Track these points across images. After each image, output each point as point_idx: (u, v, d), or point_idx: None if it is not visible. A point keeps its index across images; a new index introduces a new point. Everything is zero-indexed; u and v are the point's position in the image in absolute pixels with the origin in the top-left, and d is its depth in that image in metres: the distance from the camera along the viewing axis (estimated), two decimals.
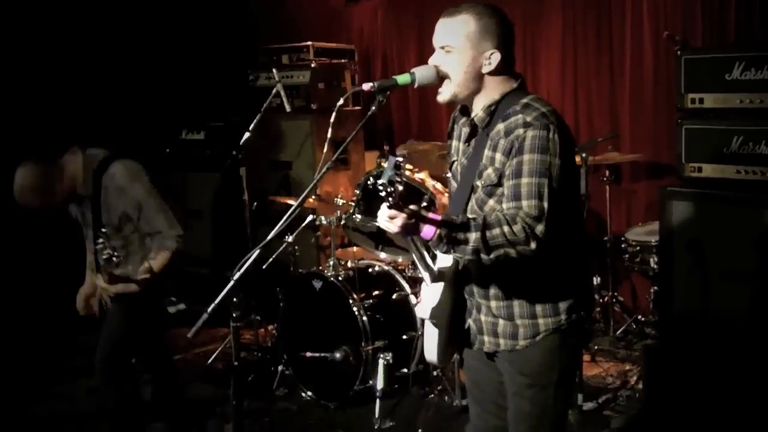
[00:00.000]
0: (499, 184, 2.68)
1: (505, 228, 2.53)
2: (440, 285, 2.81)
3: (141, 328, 4.35)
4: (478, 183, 2.74)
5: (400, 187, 2.45)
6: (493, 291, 2.79)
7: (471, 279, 2.83)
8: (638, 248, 5.55)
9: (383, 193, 2.41)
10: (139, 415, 4.46)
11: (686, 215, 4.51)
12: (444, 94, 2.78)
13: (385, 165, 2.42)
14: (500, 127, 2.67)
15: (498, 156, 2.66)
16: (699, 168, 4.53)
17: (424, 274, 2.85)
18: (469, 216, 2.65)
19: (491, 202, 2.71)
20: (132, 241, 4.25)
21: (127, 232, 4.21)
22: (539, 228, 2.55)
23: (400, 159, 2.43)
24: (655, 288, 5.47)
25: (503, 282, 2.75)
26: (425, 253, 2.79)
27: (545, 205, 2.57)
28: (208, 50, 7.53)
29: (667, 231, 4.62)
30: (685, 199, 4.52)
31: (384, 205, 2.47)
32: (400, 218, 2.49)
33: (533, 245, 2.54)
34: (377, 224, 4.80)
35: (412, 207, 2.49)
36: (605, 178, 5.85)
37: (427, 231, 2.54)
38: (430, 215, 2.54)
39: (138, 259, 4.19)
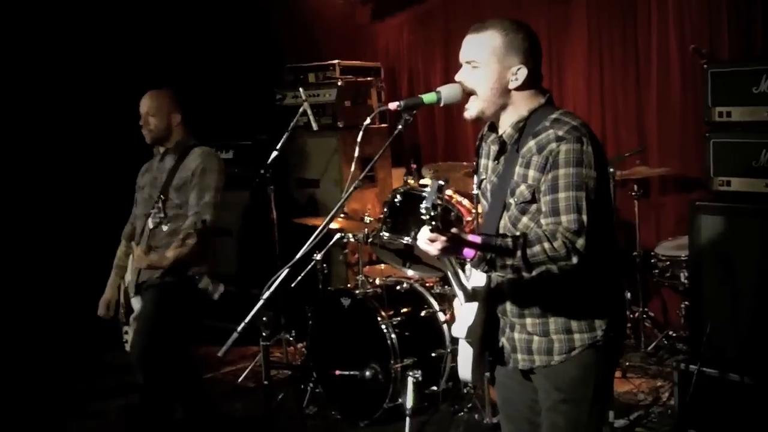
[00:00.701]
0: (533, 200, 2.67)
1: (546, 245, 2.53)
2: (474, 304, 2.81)
3: (174, 317, 4.40)
4: (511, 200, 2.73)
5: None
6: (528, 309, 2.78)
7: (505, 298, 2.81)
8: (668, 263, 5.51)
9: (425, 217, 2.40)
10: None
11: (716, 229, 4.47)
12: (471, 111, 2.78)
13: (428, 189, 2.41)
14: (531, 144, 2.67)
15: (531, 173, 2.66)
16: (728, 182, 4.49)
17: (459, 293, 2.85)
18: (509, 234, 2.64)
19: (525, 219, 2.71)
20: (177, 215, 4.37)
21: (180, 200, 4.32)
22: (580, 242, 2.54)
23: (443, 183, 2.43)
24: (686, 303, 5.42)
25: (540, 299, 2.74)
26: (460, 272, 2.80)
27: (584, 218, 2.56)
28: (235, 69, 7.59)
29: (697, 245, 4.58)
30: (714, 213, 4.48)
31: (425, 228, 2.46)
32: (440, 241, 2.49)
33: (575, 260, 2.53)
34: (405, 242, 4.84)
35: (453, 230, 2.49)
36: (634, 193, 5.81)
37: (468, 252, 2.54)
38: (470, 237, 2.53)
39: (173, 238, 4.33)
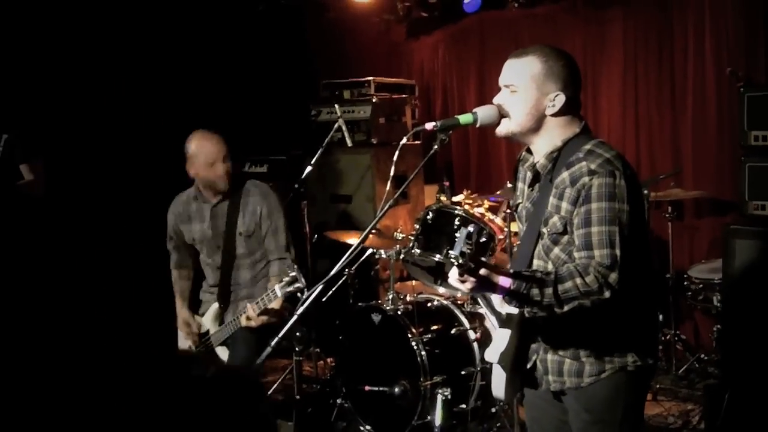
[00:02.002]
0: (564, 232, 2.69)
1: (578, 280, 2.54)
2: (507, 331, 2.82)
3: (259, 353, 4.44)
4: (544, 230, 2.75)
5: (472, 264, 2.46)
6: (561, 334, 2.79)
7: (538, 324, 2.82)
8: (701, 286, 5.48)
9: (454, 263, 2.42)
10: None
11: (749, 253, 4.46)
12: (501, 129, 2.81)
13: (457, 235, 2.43)
14: (565, 175, 2.69)
15: (564, 205, 2.68)
16: (762, 206, 4.49)
17: (491, 318, 2.87)
18: (540, 270, 2.65)
19: (557, 250, 2.73)
20: (257, 260, 4.40)
21: (254, 244, 4.33)
22: (613, 276, 2.56)
23: (472, 230, 2.45)
24: (718, 326, 5.38)
25: (572, 327, 2.75)
26: (493, 297, 2.81)
27: (618, 252, 2.57)
28: (271, 85, 7.66)
29: (731, 269, 4.57)
30: (748, 237, 4.47)
31: (455, 271, 2.48)
32: (470, 282, 2.51)
33: (607, 294, 2.55)
34: (436, 260, 4.84)
35: (482, 272, 2.50)
36: (667, 215, 5.80)
37: (500, 290, 2.55)
38: (501, 279, 2.53)
39: (260, 283, 4.36)
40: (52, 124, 6.25)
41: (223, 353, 4.41)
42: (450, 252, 2.41)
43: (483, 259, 2.52)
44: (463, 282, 2.52)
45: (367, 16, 7.50)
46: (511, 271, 2.58)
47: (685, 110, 6.17)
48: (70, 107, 6.53)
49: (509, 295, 2.57)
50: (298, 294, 3.88)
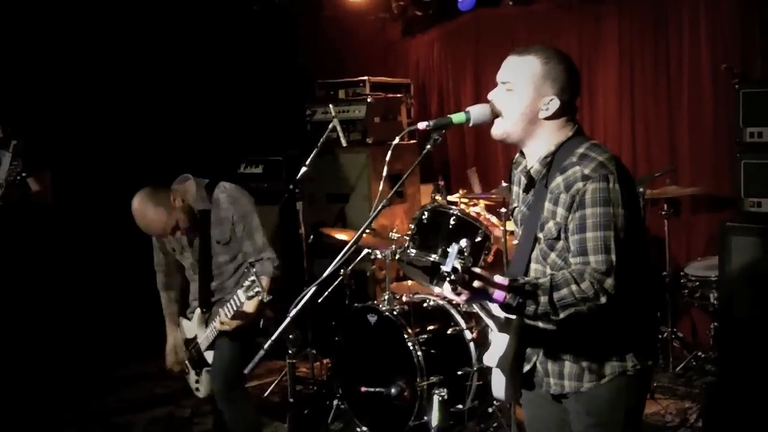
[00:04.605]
0: (559, 238, 2.67)
1: (573, 287, 2.52)
2: (506, 336, 2.79)
3: (247, 354, 4.43)
4: (540, 235, 2.73)
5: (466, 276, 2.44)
6: (560, 339, 2.76)
7: (537, 329, 2.78)
8: (698, 283, 5.46)
9: (447, 278, 2.40)
10: None
11: (746, 250, 4.45)
12: (496, 130, 2.78)
13: (449, 250, 2.40)
14: (559, 180, 2.66)
15: (559, 210, 2.65)
16: (759, 203, 4.47)
17: (489, 323, 2.84)
18: (536, 277, 2.63)
19: (553, 255, 2.71)
20: (240, 263, 4.39)
21: (235, 249, 4.33)
22: (608, 282, 2.54)
23: (464, 245, 2.42)
24: (716, 324, 5.37)
25: (571, 331, 2.71)
26: (488, 303, 2.79)
27: (613, 258, 2.55)
28: (266, 85, 7.65)
29: (727, 266, 4.56)
30: (744, 234, 4.46)
31: (447, 285, 2.46)
32: (465, 294, 2.49)
33: (603, 300, 2.53)
34: (431, 260, 4.83)
35: (476, 285, 2.46)
36: (664, 212, 5.78)
37: (496, 297, 2.53)
38: (496, 291, 2.51)
39: (237, 287, 4.31)
40: (53, 133, 6.26)
41: (211, 357, 4.41)
42: (442, 268, 2.39)
43: (476, 269, 2.47)
44: (458, 294, 2.50)
45: (362, 14, 7.49)
46: (506, 280, 2.55)
47: (681, 106, 6.16)
48: (70, 112, 6.55)
49: (504, 307, 2.56)
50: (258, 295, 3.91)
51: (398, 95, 7.11)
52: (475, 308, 2.79)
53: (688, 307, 6.04)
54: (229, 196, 4.36)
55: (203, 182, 4.41)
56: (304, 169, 5.62)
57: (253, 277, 3.83)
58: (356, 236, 2.78)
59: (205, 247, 4.36)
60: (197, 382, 4.56)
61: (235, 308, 4.13)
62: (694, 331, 6.18)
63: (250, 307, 4.15)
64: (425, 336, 4.91)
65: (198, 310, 4.40)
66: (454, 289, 2.44)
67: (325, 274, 2.72)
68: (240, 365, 4.34)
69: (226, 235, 4.32)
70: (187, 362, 4.57)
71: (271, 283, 4.20)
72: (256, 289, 3.82)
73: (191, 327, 4.49)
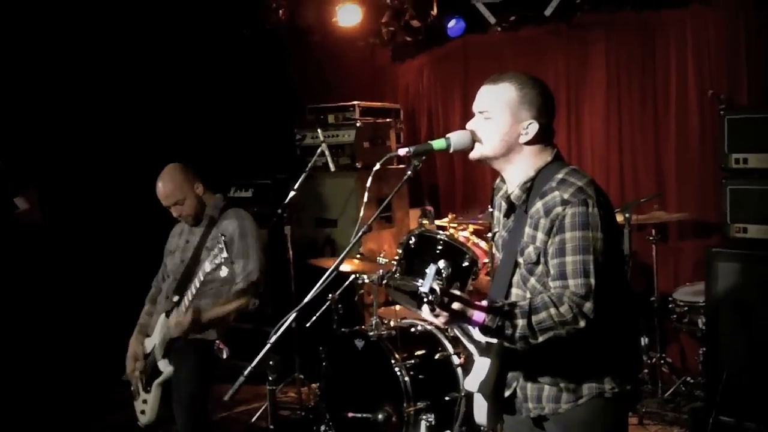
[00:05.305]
0: (538, 262, 2.68)
1: (552, 310, 2.54)
2: (487, 360, 2.79)
3: (209, 376, 4.47)
4: (521, 260, 2.75)
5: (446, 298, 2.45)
6: (539, 362, 2.77)
7: (517, 353, 2.78)
8: (686, 308, 5.46)
9: (425, 299, 2.41)
10: None
11: (732, 276, 4.46)
12: (474, 153, 2.82)
13: (427, 271, 2.41)
14: (539, 205, 2.68)
15: (539, 235, 2.67)
16: (744, 228, 4.49)
17: (470, 347, 2.84)
18: (515, 301, 2.64)
19: (533, 280, 2.73)
20: (224, 280, 4.42)
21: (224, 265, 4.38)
22: (587, 306, 2.55)
23: (441, 267, 2.43)
24: (704, 349, 5.35)
25: (550, 357, 2.72)
26: (469, 328, 2.79)
27: (592, 281, 2.57)
28: (256, 109, 7.67)
29: (714, 292, 4.58)
30: (730, 260, 4.48)
31: (426, 307, 2.47)
32: (443, 317, 2.51)
33: (582, 323, 2.55)
34: (418, 285, 4.81)
35: (454, 306, 2.49)
36: (651, 237, 5.78)
37: (475, 320, 2.54)
38: (475, 313, 2.53)
39: (213, 301, 4.43)
40: (39, 151, 6.26)
41: (165, 366, 4.40)
42: (420, 289, 2.39)
43: (457, 292, 2.49)
44: (436, 316, 2.50)
45: (352, 40, 7.51)
46: (486, 303, 2.55)
47: (668, 132, 6.18)
48: (56, 133, 6.54)
49: (482, 330, 2.56)
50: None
51: (387, 120, 7.13)
52: (456, 333, 2.78)
53: (676, 333, 6.03)
54: (236, 212, 4.57)
55: (224, 200, 4.68)
56: (292, 194, 5.63)
57: (221, 245, 3.88)
58: (337, 262, 2.78)
59: (198, 249, 4.44)
60: (144, 402, 4.55)
61: (197, 286, 4.22)
62: (683, 356, 6.17)
63: (210, 313, 4.31)
64: (413, 361, 4.89)
65: (162, 316, 4.43)
66: (432, 311, 2.45)
67: (305, 300, 2.71)
68: (202, 400, 4.39)
69: (223, 251, 4.35)
70: (139, 382, 4.57)
71: (245, 303, 4.40)
72: (224, 255, 3.90)
73: (150, 341, 4.52)
